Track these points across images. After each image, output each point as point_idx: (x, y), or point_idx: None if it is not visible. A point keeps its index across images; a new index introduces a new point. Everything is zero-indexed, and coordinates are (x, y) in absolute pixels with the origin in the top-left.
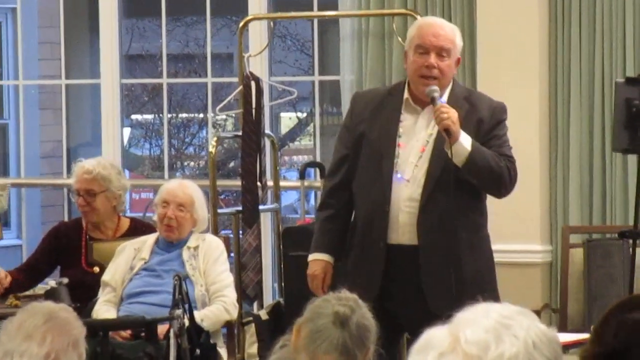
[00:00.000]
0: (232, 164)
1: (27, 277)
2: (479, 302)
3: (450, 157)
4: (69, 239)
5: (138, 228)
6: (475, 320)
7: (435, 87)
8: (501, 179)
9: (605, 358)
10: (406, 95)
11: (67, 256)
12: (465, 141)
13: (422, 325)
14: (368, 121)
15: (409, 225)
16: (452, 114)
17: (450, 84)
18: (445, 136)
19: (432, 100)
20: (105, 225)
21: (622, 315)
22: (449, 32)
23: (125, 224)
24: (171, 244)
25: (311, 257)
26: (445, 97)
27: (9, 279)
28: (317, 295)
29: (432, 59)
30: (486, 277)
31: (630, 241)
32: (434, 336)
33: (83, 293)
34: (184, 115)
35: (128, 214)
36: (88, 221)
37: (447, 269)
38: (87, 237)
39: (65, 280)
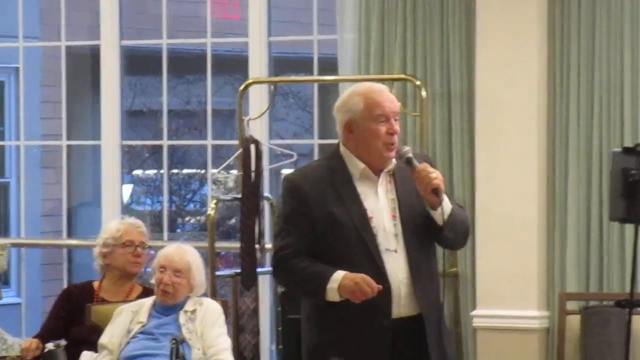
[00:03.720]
0: (232, 221)
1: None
2: None
3: (432, 218)
4: (81, 300)
5: (149, 296)
6: None
7: (408, 147)
8: (469, 230)
9: None
10: (362, 165)
11: (78, 315)
12: (445, 198)
13: None
14: (326, 201)
15: (406, 297)
16: (438, 173)
17: None
18: (431, 197)
19: (409, 161)
20: (122, 286)
21: None
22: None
23: (137, 290)
24: (168, 308)
25: (334, 280)
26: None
27: (40, 346)
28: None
29: (394, 125)
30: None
31: (627, 309)
32: None
33: (88, 350)
34: (185, 171)
35: None
36: (135, 273)
37: (441, 331)
38: (99, 298)
39: (63, 342)
